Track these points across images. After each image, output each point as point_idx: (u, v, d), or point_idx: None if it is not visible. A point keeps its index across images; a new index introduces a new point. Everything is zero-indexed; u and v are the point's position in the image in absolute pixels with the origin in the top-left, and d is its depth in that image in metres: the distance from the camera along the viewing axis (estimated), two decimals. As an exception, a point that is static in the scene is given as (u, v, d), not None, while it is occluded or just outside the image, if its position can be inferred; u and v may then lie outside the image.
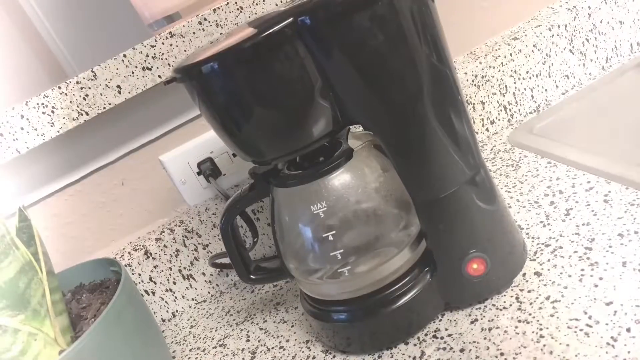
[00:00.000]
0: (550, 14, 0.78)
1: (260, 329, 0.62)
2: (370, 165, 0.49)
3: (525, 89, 0.78)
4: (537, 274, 0.51)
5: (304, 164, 0.49)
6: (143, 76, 0.59)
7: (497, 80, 0.76)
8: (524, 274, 0.51)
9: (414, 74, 0.41)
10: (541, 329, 0.45)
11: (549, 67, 0.78)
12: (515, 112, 0.78)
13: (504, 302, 0.49)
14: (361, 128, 0.48)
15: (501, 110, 0.78)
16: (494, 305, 0.49)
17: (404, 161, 0.45)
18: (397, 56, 0.41)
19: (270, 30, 0.38)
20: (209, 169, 0.69)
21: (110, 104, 0.59)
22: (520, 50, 0.75)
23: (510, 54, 0.75)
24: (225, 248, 0.54)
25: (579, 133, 0.74)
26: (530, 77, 0.77)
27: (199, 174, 0.70)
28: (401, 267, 0.48)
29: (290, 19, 0.39)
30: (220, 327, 0.66)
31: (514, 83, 0.77)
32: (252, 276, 0.55)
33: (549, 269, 0.50)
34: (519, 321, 0.46)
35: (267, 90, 0.42)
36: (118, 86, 0.59)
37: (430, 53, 0.42)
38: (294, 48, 0.40)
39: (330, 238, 0.47)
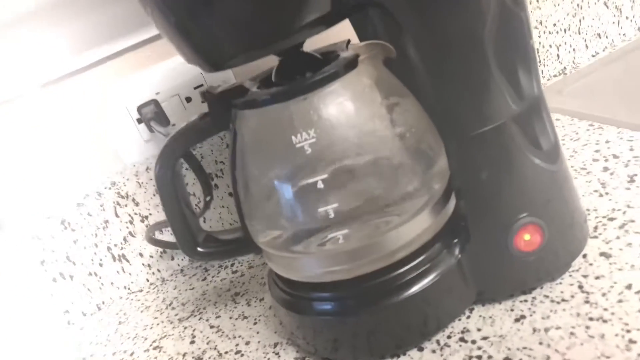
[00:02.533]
0: (585, -45, 0.65)
1: (211, 326, 0.46)
2: (380, 84, 0.33)
3: (550, 46, 0.64)
4: (605, 255, 0.36)
5: (281, 84, 0.34)
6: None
7: (520, 30, 0.61)
8: (584, 255, 0.37)
9: None
10: (628, 330, 0.30)
11: (580, 21, 0.64)
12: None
13: (561, 292, 0.34)
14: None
15: (522, 69, 0.63)
16: (546, 296, 0.35)
17: (439, 74, 0.30)
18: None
19: None
20: (152, 113, 0.52)
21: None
22: (549, -5, 0.62)
23: (537, 0, 0.61)
24: (162, 207, 0.37)
25: (613, 99, 0.60)
26: (557, 32, 0.64)
27: (139, 121, 0.53)
28: (419, 236, 0.33)
29: None
30: (158, 324, 0.49)
31: (539, 37, 0.63)
32: (199, 248, 0.38)
33: (620, 249, 0.36)
34: (591, 319, 0.32)
35: None
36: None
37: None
38: None
39: (320, 185, 0.31)
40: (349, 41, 0.36)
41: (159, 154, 0.36)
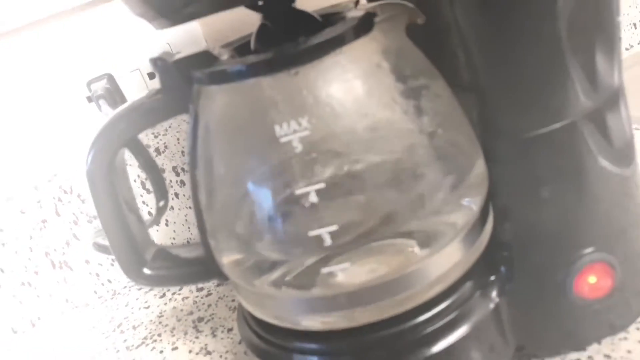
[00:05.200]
0: None
1: (165, 361, 0.36)
2: (399, 60, 0.24)
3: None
4: (684, 302, 0.27)
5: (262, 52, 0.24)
6: None
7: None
8: (656, 301, 0.28)
9: None
10: None
11: (617, 6, 0.56)
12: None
13: (628, 351, 0.26)
14: None
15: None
16: (607, 356, 0.26)
17: (490, 50, 0.21)
18: None
19: None
20: (104, 90, 0.42)
21: None
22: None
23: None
24: (97, 215, 0.28)
25: None
26: (590, 18, 0.55)
27: (89, 99, 0.43)
28: (444, 274, 0.24)
29: None
30: (102, 351, 0.40)
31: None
32: (146, 270, 0.29)
33: None
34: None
35: None
36: None
37: None
38: None
39: (313, 198, 0.21)
40: (357, 1, 0.26)
41: (91, 142, 0.26)
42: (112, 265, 0.47)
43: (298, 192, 0.21)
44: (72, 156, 0.44)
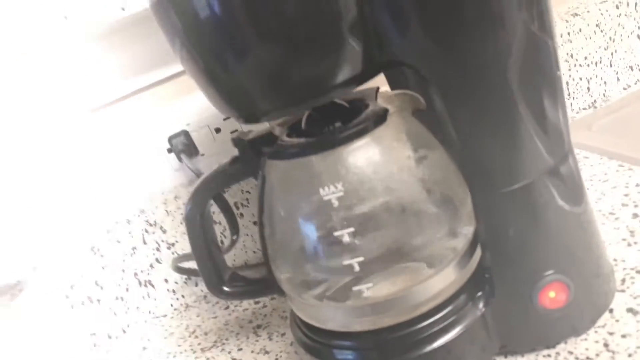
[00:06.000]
0: (618, -12, 0.64)
1: (233, 359, 0.46)
2: (408, 138, 0.34)
3: (581, 79, 0.63)
4: (632, 311, 0.35)
5: (311, 132, 0.34)
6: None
7: (550, 64, 0.61)
8: (611, 310, 0.36)
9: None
10: (655, 397, 0.30)
11: (612, 54, 0.64)
12: (567, 105, 0.64)
13: (586, 349, 0.34)
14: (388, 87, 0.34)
15: (550, 103, 0.63)
16: (570, 352, 0.34)
17: (468, 133, 0.30)
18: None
19: None
20: (182, 145, 0.53)
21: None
22: (580, 30, 0.61)
23: (568, 33, 0.61)
24: (190, 246, 0.38)
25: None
26: (588, 65, 0.63)
27: (169, 151, 0.54)
28: (444, 289, 0.33)
29: None
30: (181, 353, 0.50)
31: (569, 70, 0.62)
32: (225, 288, 0.39)
33: (648, 305, 0.35)
34: (617, 381, 0.31)
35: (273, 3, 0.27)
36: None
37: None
38: None
39: (346, 239, 0.31)
40: (377, 89, 0.36)
41: (190, 196, 0.37)
42: (185, 283, 0.57)
43: (335, 233, 0.31)
44: (156, 195, 0.55)
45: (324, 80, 0.29)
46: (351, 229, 0.31)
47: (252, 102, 0.30)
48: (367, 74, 0.30)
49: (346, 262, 0.31)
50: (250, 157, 0.35)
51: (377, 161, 0.32)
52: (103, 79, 0.52)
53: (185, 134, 0.54)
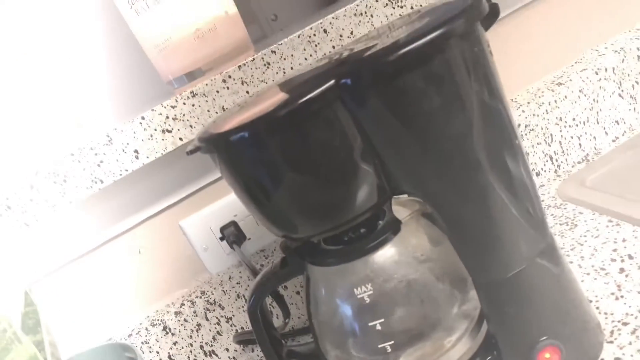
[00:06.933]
0: (596, 56, 0.73)
1: (293, 417, 0.55)
2: (420, 237, 0.43)
3: (572, 137, 0.72)
4: (619, 360, 0.43)
5: (343, 237, 0.43)
6: (163, 139, 0.54)
7: (542, 129, 0.70)
8: (602, 360, 0.44)
9: (474, 139, 0.36)
10: None
11: (597, 113, 0.72)
12: (562, 162, 0.72)
13: (583, 396, 0.42)
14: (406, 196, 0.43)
15: (547, 161, 0.71)
16: (570, 400, 0.42)
17: (463, 236, 0.39)
18: (453, 116, 0.36)
19: (309, 96, 0.33)
20: (232, 234, 0.63)
21: (126, 170, 0.54)
22: (565, 97, 0.70)
23: (555, 101, 0.70)
24: (254, 333, 0.48)
25: (637, 186, 0.67)
26: (577, 125, 0.71)
27: (221, 239, 0.64)
28: (461, 358, 0.41)
29: (332, 82, 0.34)
30: (247, 413, 0.59)
31: (560, 131, 0.71)
32: (284, 363, 0.48)
33: (631, 355, 0.43)
34: None
35: (303, 160, 0.36)
36: (135, 151, 0.54)
37: (491, 114, 0.36)
38: (333, 113, 0.35)
39: (378, 327, 0.40)
40: (391, 199, 0.46)
41: (250, 293, 0.46)
42: (243, 350, 0.67)
43: (370, 323, 0.40)
44: (213, 278, 0.65)
45: (352, 212, 0.38)
46: (381, 320, 0.40)
47: (294, 229, 0.40)
48: (382, 202, 0.39)
49: (380, 345, 0.40)
50: (296, 261, 0.44)
51: (397, 261, 0.41)
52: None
53: (234, 223, 0.64)
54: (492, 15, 0.37)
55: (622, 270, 0.52)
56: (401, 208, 0.44)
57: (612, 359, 0.43)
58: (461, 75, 0.35)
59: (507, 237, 0.38)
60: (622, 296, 0.49)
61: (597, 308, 0.49)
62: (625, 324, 0.46)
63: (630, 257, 0.53)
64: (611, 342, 0.45)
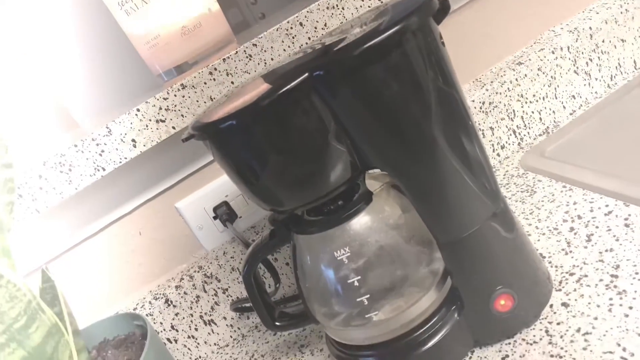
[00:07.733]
0: (552, 36, 0.79)
1: (287, 373, 0.62)
2: (390, 206, 0.49)
3: (533, 112, 0.78)
4: (565, 304, 0.50)
5: (323, 209, 0.49)
6: (157, 129, 0.60)
7: (505, 105, 0.76)
8: (551, 305, 0.51)
9: (432, 120, 0.42)
10: (575, 364, 0.44)
11: (555, 89, 0.78)
12: (524, 135, 0.79)
13: (534, 335, 0.49)
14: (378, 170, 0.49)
15: (511, 135, 0.78)
16: (523, 339, 0.49)
17: (425, 203, 0.45)
18: (412, 101, 0.42)
19: (287, 87, 0.39)
20: (225, 213, 0.69)
21: (125, 158, 0.59)
22: (525, 75, 0.76)
23: (516, 79, 0.76)
24: (248, 297, 0.54)
25: (591, 154, 0.74)
26: (537, 100, 0.78)
27: (215, 218, 0.70)
28: (429, 307, 0.48)
29: (306, 74, 0.39)
30: (246, 373, 0.66)
31: (522, 107, 0.77)
32: (277, 323, 0.55)
33: (576, 299, 0.50)
34: (551, 356, 0.46)
35: (284, 143, 0.42)
36: (133, 140, 0.59)
37: (445, 98, 0.42)
38: (309, 101, 0.41)
39: (356, 284, 0.46)
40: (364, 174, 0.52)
41: (243, 262, 0.52)
42: (240, 318, 0.73)
43: (348, 281, 0.47)
44: (209, 254, 0.71)
45: (330, 186, 0.44)
46: (358, 277, 0.46)
47: (280, 203, 0.46)
48: (355, 177, 0.45)
49: (358, 299, 0.46)
50: (283, 232, 0.50)
51: (371, 227, 0.48)
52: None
53: (226, 203, 0.70)
54: (443, 10, 0.43)
55: (571, 229, 0.59)
56: (374, 181, 0.50)
57: (560, 304, 0.50)
58: (417, 64, 0.41)
59: (461, 203, 0.45)
60: (570, 251, 0.56)
61: (550, 262, 0.56)
62: (571, 274, 0.53)
63: (579, 217, 0.60)
64: (559, 289, 0.52)
